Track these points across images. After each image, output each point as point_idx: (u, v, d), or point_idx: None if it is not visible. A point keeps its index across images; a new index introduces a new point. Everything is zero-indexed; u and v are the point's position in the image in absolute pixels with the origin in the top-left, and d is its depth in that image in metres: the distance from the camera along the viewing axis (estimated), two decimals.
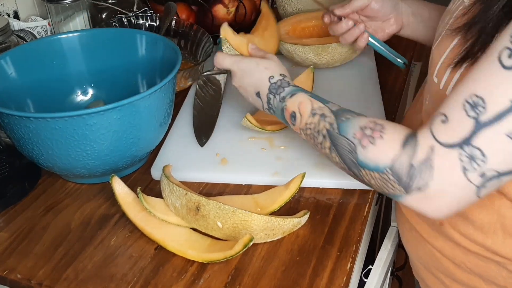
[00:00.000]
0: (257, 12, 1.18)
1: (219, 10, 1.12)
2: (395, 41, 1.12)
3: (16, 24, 0.98)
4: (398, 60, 0.90)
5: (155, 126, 0.71)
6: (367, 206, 0.69)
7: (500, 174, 0.48)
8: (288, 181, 0.69)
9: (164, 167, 0.68)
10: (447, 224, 0.64)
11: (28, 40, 0.93)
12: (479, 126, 0.47)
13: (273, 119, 0.81)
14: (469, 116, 0.47)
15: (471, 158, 0.47)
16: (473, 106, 0.47)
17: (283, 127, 0.81)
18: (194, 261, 0.61)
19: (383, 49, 0.88)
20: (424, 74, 0.83)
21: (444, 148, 0.49)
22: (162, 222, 0.65)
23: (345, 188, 0.71)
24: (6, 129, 0.67)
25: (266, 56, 0.71)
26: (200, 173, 0.74)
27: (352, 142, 0.55)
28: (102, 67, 0.83)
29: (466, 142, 0.48)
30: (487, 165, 0.47)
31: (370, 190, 0.71)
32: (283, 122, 0.66)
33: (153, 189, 0.73)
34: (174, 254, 0.62)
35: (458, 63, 0.53)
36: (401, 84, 0.97)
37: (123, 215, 0.67)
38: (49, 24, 1.01)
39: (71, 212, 0.70)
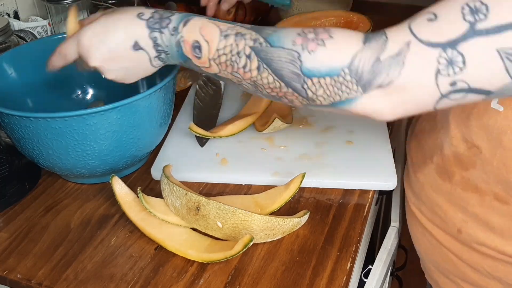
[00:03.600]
0: (257, 12, 1.18)
1: (219, 10, 1.11)
2: None
3: (16, 24, 0.98)
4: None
5: (155, 126, 0.71)
6: (367, 206, 0.69)
7: (469, 90, 0.44)
8: (288, 181, 0.69)
9: (164, 167, 0.68)
10: (465, 232, 0.63)
11: (28, 40, 0.93)
12: (472, 32, 0.42)
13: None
14: (465, 19, 0.42)
15: (450, 62, 0.43)
16: (474, 11, 0.42)
17: (240, 130, 0.79)
18: (194, 261, 0.61)
19: None
20: None
21: (423, 46, 0.43)
22: (162, 222, 0.65)
23: (345, 188, 0.71)
24: (6, 129, 0.67)
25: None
26: (200, 173, 0.74)
27: (293, 50, 0.47)
28: None
29: (451, 44, 0.42)
30: (462, 75, 0.43)
31: (370, 190, 0.71)
32: (181, 61, 0.54)
33: (153, 189, 0.73)
34: (174, 254, 0.62)
35: None
36: None
37: (123, 215, 0.67)
38: (49, 24, 1.01)
39: (71, 212, 0.70)
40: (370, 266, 0.80)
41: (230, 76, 0.51)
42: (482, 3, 0.42)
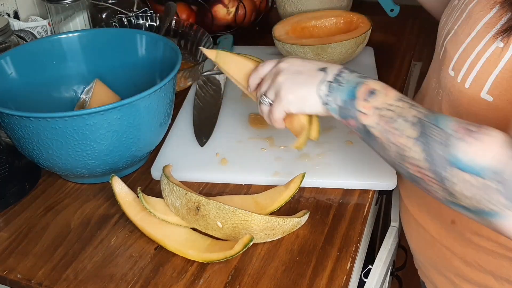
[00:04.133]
0: (257, 12, 1.18)
1: (219, 10, 1.12)
2: (395, 42, 1.13)
3: (16, 24, 0.98)
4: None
5: (155, 126, 0.71)
6: (367, 206, 0.69)
7: None
8: (288, 181, 0.69)
9: (164, 167, 0.68)
10: (458, 222, 0.64)
11: (28, 40, 0.93)
12: None
13: None
14: None
15: None
16: None
17: None
18: (194, 261, 0.61)
19: None
20: (424, 74, 0.83)
21: None
22: (162, 222, 0.65)
23: (345, 188, 0.71)
24: (6, 129, 0.67)
25: None
26: (200, 173, 0.74)
27: (450, 134, 0.47)
28: (102, 67, 0.83)
29: None
30: None
31: (370, 190, 0.71)
32: (344, 97, 0.56)
33: (153, 189, 0.73)
34: (174, 254, 0.62)
35: (505, 32, 0.51)
36: (401, 84, 0.97)
37: (123, 215, 0.67)
38: (49, 24, 1.01)
39: (71, 212, 0.70)
40: (370, 266, 0.79)
41: (379, 134, 0.53)
42: None
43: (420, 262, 0.76)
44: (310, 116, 0.63)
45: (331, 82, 0.57)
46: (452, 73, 0.58)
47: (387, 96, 0.54)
